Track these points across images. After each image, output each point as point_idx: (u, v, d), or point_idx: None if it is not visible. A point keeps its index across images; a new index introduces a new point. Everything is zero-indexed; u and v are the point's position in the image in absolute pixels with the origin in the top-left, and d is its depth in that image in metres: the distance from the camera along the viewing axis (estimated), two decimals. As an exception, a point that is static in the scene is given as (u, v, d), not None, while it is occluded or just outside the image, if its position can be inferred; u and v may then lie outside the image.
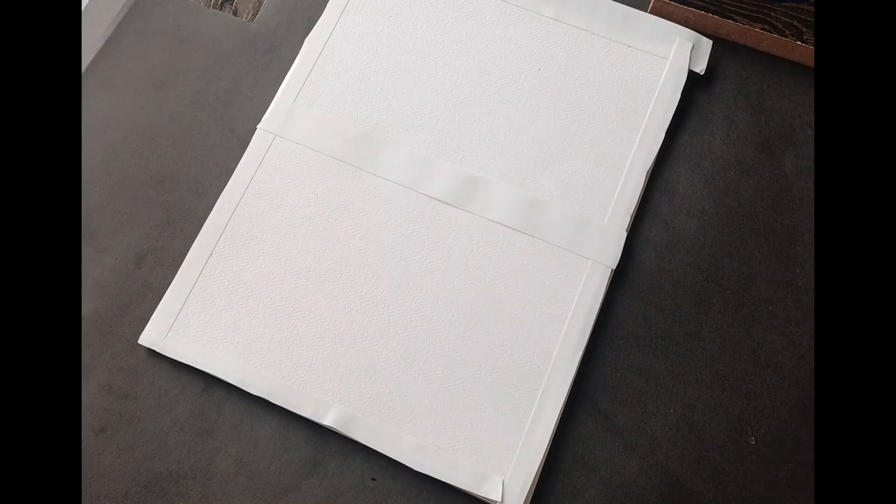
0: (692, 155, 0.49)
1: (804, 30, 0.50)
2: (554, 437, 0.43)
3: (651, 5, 0.52)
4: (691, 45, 0.50)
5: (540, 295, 0.45)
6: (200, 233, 0.47)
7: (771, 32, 0.50)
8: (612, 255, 0.46)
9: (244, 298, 0.45)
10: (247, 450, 0.43)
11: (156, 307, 0.45)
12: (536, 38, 0.51)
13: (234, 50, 0.52)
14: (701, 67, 0.50)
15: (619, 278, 0.46)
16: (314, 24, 0.52)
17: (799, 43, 0.50)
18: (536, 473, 0.42)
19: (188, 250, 0.47)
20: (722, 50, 0.51)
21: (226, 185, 0.48)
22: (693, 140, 0.50)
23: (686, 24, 0.51)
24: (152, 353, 0.45)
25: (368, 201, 0.48)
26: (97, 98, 0.51)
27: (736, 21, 0.50)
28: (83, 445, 0.43)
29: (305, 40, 0.52)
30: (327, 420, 0.43)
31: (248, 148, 0.49)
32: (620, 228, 0.47)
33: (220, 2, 0.54)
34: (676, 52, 0.50)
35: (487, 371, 0.44)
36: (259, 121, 0.50)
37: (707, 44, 0.51)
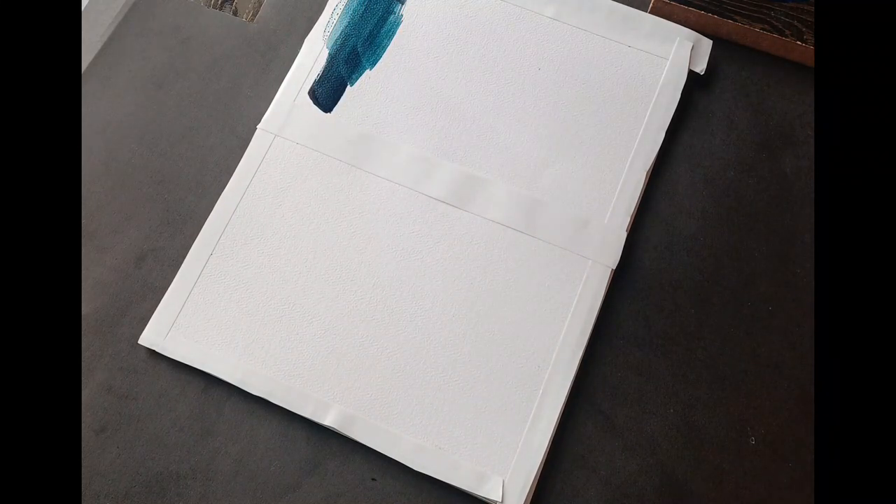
0: (692, 155, 0.49)
1: (804, 30, 0.50)
2: (554, 437, 0.43)
3: (651, 5, 0.52)
4: (691, 45, 0.50)
5: (540, 295, 0.45)
6: (200, 233, 0.47)
7: (771, 32, 0.50)
8: (612, 255, 0.46)
9: (244, 298, 0.45)
10: (247, 450, 0.43)
11: (156, 307, 0.45)
12: (536, 37, 0.51)
13: (234, 50, 0.52)
14: (701, 67, 0.50)
15: (619, 278, 0.46)
16: (314, 24, 0.52)
17: (799, 43, 0.50)
18: (536, 473, 0.42)
19: (188, 250, 0.47)
20: (722, 50, 0.51)
21: (226, 185, 0.48)
22: (693, 140, 0.50)
23: (686, 24, 0.51)
24: (152, 353, 0.45)
25: (368, 201, 0.48)
26: (97, 98, 0.51)
27: (736, 21, 0.50)
28: (83, 445, 0.43)
29: (305, 40, 0.52)
30: (327, 420, 0.43)
31: (248, 148, 0.49)
32: (620, 228, 0.47)
33: (220, 2, 0.54)
34: (676, 52, 0.50)
35: (487, 371, 0.44)
36: (259, 121, 0.50)
37: (707, 44, 0.51)
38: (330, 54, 0.51)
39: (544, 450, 0.42)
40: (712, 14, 0.50)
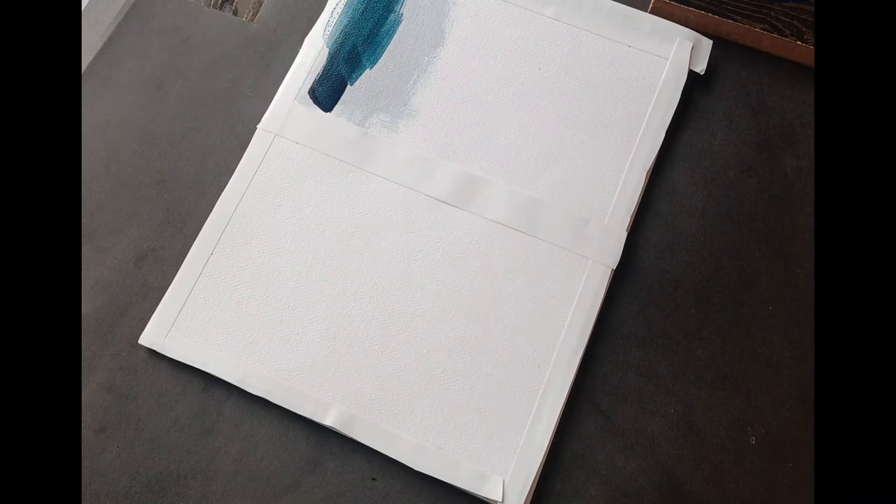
0: (692, 155, 0.49)
1: (804, 30, 0.50)
2: (554, 437, 0.43)
3: (651, 5, 0.52)
4: (691, 44, 0.50)
5: (540, 295, 0.45)
6: (200, 233, 0.47)
7: (771, 32, 0.50)
8: (612, 254, 0.46)
9: (244, 298, 0.45)
10: (247, 450, 0.43)
11: (156, 307, 0.45)
12: (536, 37, 0.51)
13: (234, 50, 0.52)
14: (701, 67, 0.50)
15: (619, 278, 0.46)
16: (314, 24, 0.52)
17: (799, 43, 0.50)
18: (536, 473, 0.42)
19: (188, 250, 0.47)
20: (722, 50, 0.51)
21: (226, 185, 0.48)
22: (693, 140, 0.50)
23: (686, 24, 0.51)
24: (152, 353, 0.45)
25: (368, 201, 0.48)
26: (97, 98, 0.51)
27: (736, 21, 0.50)
28: (83, 445, 0.43)
29: (305, 40, 0.52)
30: (327, 420, 0.43)
31: (248, 148, 0.49)
32: (620, 228, 0.47)
33: (220, 2, 0.54)
34: (676, 52, 0.50)
35: (487, 371, 0.44)
36: (259, 121, 0.50)
37: (707, 44, 0.51)
38: (330, 53, 0.51)
39: (544, 450, 0.42)
40: (712, 14, 0.50)
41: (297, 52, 0.52)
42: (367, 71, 0.51)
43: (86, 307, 0.46)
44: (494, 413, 0.43)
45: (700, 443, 0.43)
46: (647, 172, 0.48)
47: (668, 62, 0.50)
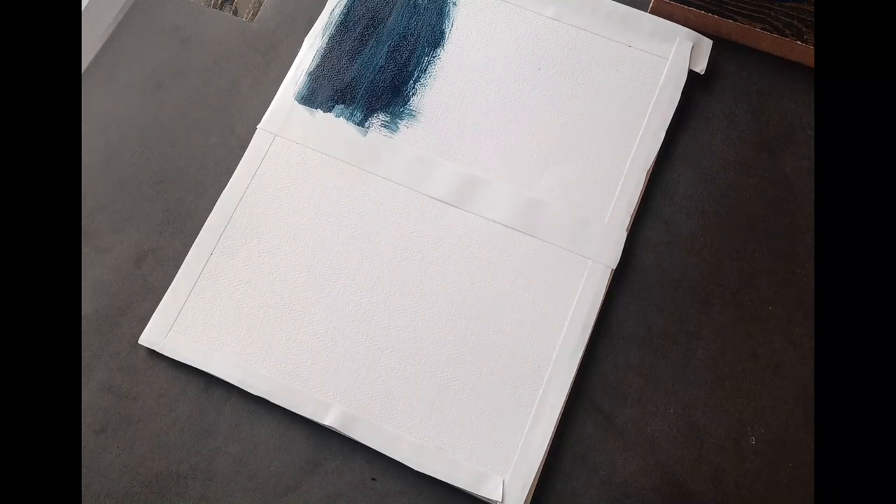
0: (692, 155, 0.49)
1: (804, 30, 0.50)
2: (554, 437, 0.43)
3: (651, 5, 0.52)
4: (691, 44, 0.50)
5: (540, 295, 0.45)
6: (200, 233, 0.47)
7: (771, 32, 0.50)
8: (612, 254, 0.46)
9: (244, 298, 0.45)
10: (247, 450, 0.43)
11: (156, 307, 0.45)
12: (536, 37, 0.51)
13: (234, 50, 0.52)
14: (701, 67, 0.50)
15: (619, 278, 0.46)
16: (314, 24, 0.52)
17: (799, 43, 0.50)
18: (536, 473, 0.42)
19: (188, 250, 0.47)
20: (722, 50, 0.51)
21: (226, 185, 0.48)
22: (693, 140, 0.50)
23: (686, 23, 0.51)
24: (152, 353, 0.45)
25: (368, 201, 0.48)
26: (97, 98, 0.51)
27: (736, 21, 0.50)
28: (83, 445, 0.43)
29: (305, 40, 0.52)
30: (327, 420, 0.43)
31: (248, 148, 0.49)
32: (620, 228, 0.47)
33: (220, 2, 0.54)
34: (676, 51, 0.50)
35: (487, 371, 0.44)
36: (259, 121, 0.50)
37: (707, 44, 0.51)
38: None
39: (544, 450, 0.42)
40: (712, 14, 0.50)
41: (297, 52, 0.52)
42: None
43: (86, 307, 0.46)
44: (494, 413, 0.43)
45: (700, 443, 0.43)
46: (647, 172, 0.48)
47: (668, 62, 0.50)
